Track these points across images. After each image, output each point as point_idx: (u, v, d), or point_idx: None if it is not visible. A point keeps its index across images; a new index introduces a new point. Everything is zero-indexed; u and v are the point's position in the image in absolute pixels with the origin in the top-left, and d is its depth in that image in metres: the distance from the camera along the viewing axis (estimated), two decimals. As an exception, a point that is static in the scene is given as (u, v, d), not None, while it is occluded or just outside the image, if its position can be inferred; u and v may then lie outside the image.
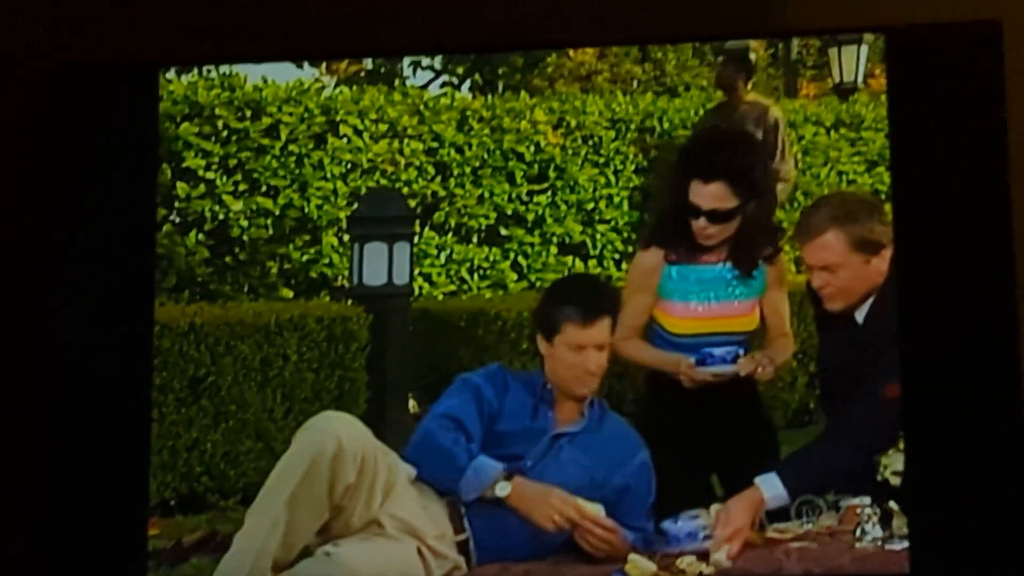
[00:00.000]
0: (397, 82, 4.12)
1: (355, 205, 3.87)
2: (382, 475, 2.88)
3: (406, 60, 4.10)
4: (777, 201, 3.63)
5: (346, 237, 3.83)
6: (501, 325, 3.69)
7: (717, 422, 3.22)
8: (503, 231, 4.07)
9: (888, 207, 2.93)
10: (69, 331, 3.00)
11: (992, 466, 2.67)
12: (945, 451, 2.72)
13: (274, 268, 3.84)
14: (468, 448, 2.95)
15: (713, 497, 3.09)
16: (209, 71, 3.84)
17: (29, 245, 3.04)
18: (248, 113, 3.86)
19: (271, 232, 3.84)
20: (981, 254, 2.74)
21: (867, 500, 2.93)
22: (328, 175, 3.90)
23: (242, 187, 3.83)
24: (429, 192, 3.99)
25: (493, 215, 4.05)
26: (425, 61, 4.15)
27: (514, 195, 4.06)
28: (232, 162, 3.83)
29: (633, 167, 4.14)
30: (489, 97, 4.17)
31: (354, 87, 4.04)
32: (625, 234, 4.10)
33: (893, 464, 2.92)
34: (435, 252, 3.99)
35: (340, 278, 3.85)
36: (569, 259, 4.09)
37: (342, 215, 3.87)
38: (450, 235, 4.03)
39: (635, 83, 4.43)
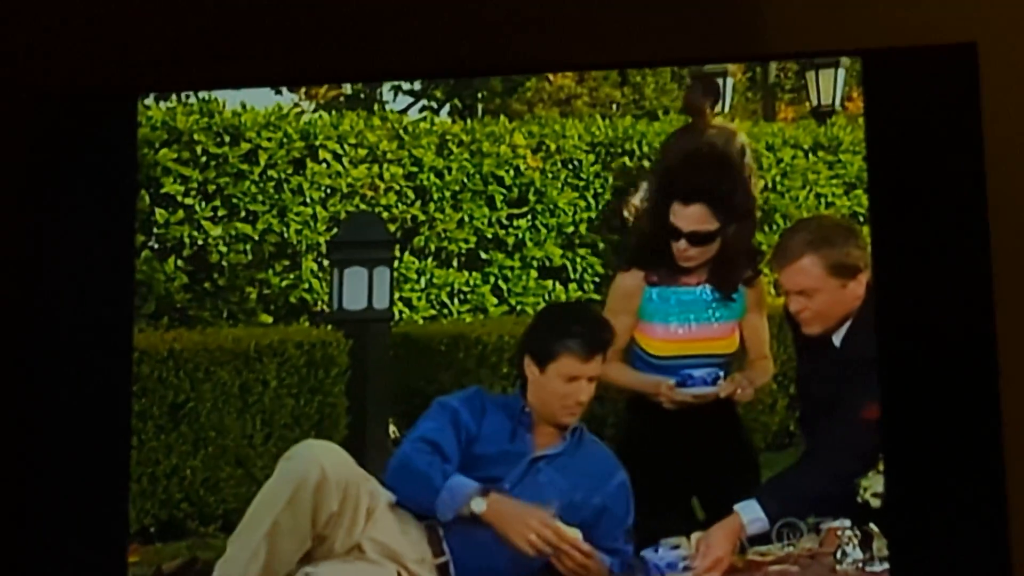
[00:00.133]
0: (376, 107, 4.12)
1: (335, 230, 3.87)
2: (364, 502, 2.88)
3: (386, 85, 4.10)
4: (756, 224, 3.64)
5: (326, 262, 3.83)
6: (481, 349, 3.68)
7: (698, 444, 3.22)
8: (483, 255, 4.07)
9: (866, 230, 2.94)
10: (48, 358, 2.99)
11: (971, 487, 2.68)
12: (925, 473, 2.72)
13: (253, 293, 3.83)
14: (443, 469, 2.95)
15: (694, 520, 3.09)
16: (188, 97, 3.83)
17: (7, 272, 3.04)
18: (227, 139, 3.85)
19: (250, 257, 3.84)
20: (959, 275, 2.75)
21: (847, 522, 2.93)
22: (307, 200, 3.90)
23: (221, 212, 3.83)
24: (409, 216, 3.99)
25: (473, 239, 4.05)
26: (405, 86, 4.15)
27: (494, 219, 4.06)
28: (211, 188, 3.83)
29: (612, 191, 4.14)
30: (468, 121, 4.18)
31: (333, 112, 4.04)
32: (605, 258, 4.10)
33: (873, 486, 2.92)
34: (415, 276, 3.99)
35: (320, 303, 3.85)
36: (549, 283, 4.09)
37: (322, 240, 3.87)
38: (430, 259, 4.03)
39: (614, 107, 4.44)
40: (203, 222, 3.80)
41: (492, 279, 4.08)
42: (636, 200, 4.06)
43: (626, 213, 4.08)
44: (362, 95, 4.17)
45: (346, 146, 3.97)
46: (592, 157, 4.16)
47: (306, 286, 3.87)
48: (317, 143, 3.94)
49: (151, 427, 3.36)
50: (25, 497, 2.94)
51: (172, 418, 3.39)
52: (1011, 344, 2.69)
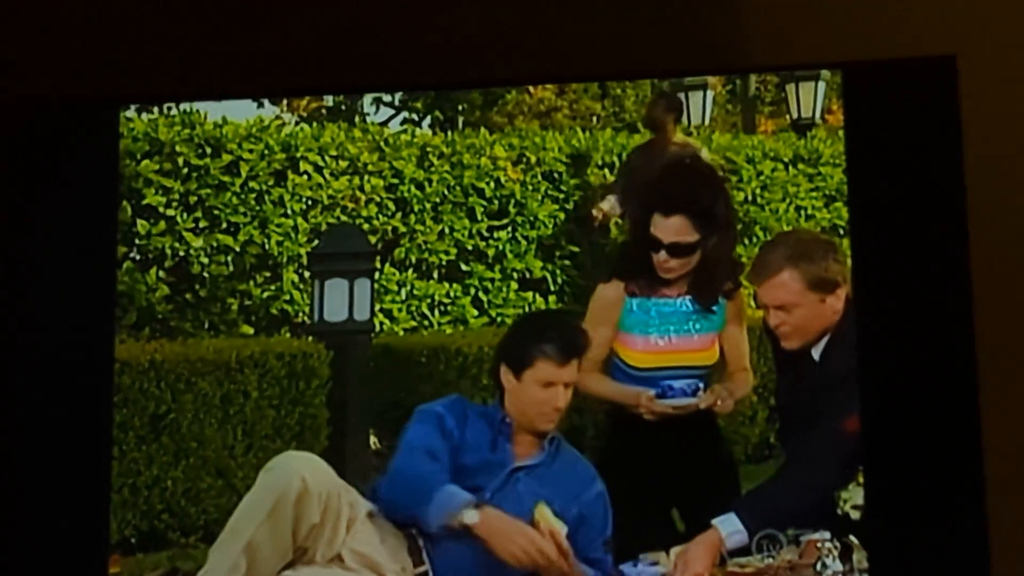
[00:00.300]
0: (357, 119, 4.14)
1: (316, 241, 3.87)
2: (345, 513, 2.87)
3: (367, 97, 4.11)
4: (737, 236, 3.65)
5: (307, 273, 3.83)
6: (462, 360, 3.69)
7: (678, 456, 3.22)
8: (463, 267, 4.08)
9: (846, 242, 2.95)
10: (29, 369, 2.99)
11: (951, 499, 2.69)
12: (904, 485, 2.73)
13: (235, 305, 3.83)
14: (441, 477, 2.95)
15: (674, 531, 3.09)
16: (169, 108, 3.84)
17: (-12, 282, 3.03)
18: (208, 150, 3.86)
19: (231, 269, 3.84)
20: (939, 288, 2.76)
21: (827, 534, 2.93)
22: (288, 212, 3.90)
23: (202, 224, 3.83)
24: (390, 228, 4.00)
25: (453, 251, 4.06)
26: (386, 98, 4.16)
27: (474, 231, 4.07)
28: (192, 199, 3.83)
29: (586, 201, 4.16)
30: (449, 133, 4.19)
31: (314, 124, 4.05)
32: (584, 270, 4.11)
33: (853, 498, 2.93)
34: (396, 288, 4.00)
35: (301, 314, 3.85)
36: (529, 294, 4.10)
37: (303, 251, 3.88)
38: (411, 271, 4.03)
39: (594, 119, 4.46)
40: (184, 233, 3.80)
41: (472, 291, 4.08)
42: (606, 205, 4.06)
43: (595, 211, 4.08)
44: (343, 107, 4.19)
45: (327, 158, 3.98)
46: (572, 169, 4.17)
47: (287, 297, 3.87)
48: (298, 155, 3.95)
49: (132, 438, 3.36)
50: (4, 507, 2.93)
51: (153, 429, 3.39)
52: (991, 357, 2.70)
